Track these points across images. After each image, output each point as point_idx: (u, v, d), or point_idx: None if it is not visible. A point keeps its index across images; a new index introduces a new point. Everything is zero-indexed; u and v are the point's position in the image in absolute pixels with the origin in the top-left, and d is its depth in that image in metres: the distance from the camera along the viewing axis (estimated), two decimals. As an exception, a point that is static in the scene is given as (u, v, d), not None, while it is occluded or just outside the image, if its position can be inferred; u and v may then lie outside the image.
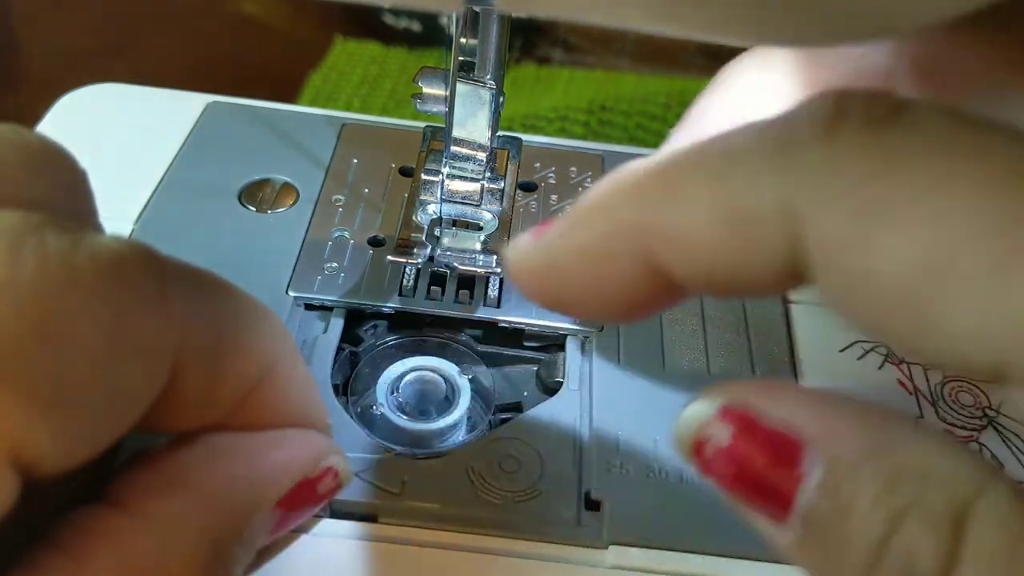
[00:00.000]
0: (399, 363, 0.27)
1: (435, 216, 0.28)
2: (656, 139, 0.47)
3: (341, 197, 0.31)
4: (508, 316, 0.28)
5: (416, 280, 0.28)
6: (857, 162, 0.14)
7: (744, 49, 0.25)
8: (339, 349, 0.27)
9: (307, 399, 0.20)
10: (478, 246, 0.28)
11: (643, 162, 0.16)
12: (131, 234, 0.29)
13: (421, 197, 0.29)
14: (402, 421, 0.25)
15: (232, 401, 0.18)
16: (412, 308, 0.28)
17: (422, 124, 0.31)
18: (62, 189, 0.18)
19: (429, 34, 0.55)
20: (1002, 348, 0.12)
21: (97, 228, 0.19)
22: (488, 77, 0.25)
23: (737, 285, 0.16)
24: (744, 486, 0.16)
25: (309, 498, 0.20)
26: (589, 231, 0.17)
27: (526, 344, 0.28)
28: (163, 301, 0.16)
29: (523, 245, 0.18)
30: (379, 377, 0.27)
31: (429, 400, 0.26)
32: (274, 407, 0.19)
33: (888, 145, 0.13)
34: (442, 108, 0.26)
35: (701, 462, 0.16)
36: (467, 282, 0.29)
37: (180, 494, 0.17)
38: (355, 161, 0.33)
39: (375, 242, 0.30)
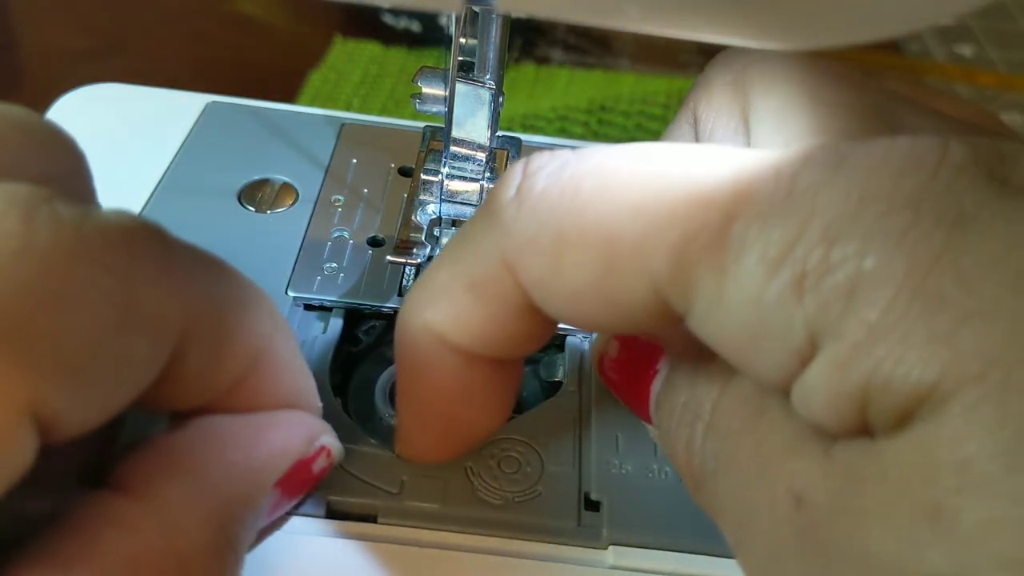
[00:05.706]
0: (399, 363, 0.27)
1: (435, 216, 0.28)
2: (656, 139, 0.47)
3: (340, 197, 0.31)
4: (508, 316, 0.28)
5: (416, 280, 0.28)
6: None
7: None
8: (338, 349, 0.27)
9: (299, 381, 0.21)
10: (478, 246, 0.28)
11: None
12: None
13: (420, 197, 0.29)
14: (402, 421, 0.25)
15: (230, 380, 0.19)
16: None
17: (422, 124, 0.31)
18: (65, 170, 0.18)
19: (429, 34, 0.55)
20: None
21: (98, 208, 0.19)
22: (488, 77, 0.24)
23: (510, 347, 0.19)
24: (627, 389, 0.21)
25: (305, 478, 0.21)
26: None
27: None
28: (169, 275, 0.16)
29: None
30: (378, 378, 0.27)
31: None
32: (268, 388, 0.20)
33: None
34: (442, 108, 0.26)
35: (602, 371, 0.22)
36: (467, 282, 0.29)
37: (184, 478, 0.18)
38: (354, 161, 0.33)
39: (374, 242, 0.30)
